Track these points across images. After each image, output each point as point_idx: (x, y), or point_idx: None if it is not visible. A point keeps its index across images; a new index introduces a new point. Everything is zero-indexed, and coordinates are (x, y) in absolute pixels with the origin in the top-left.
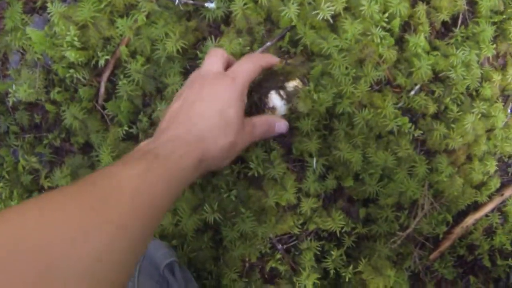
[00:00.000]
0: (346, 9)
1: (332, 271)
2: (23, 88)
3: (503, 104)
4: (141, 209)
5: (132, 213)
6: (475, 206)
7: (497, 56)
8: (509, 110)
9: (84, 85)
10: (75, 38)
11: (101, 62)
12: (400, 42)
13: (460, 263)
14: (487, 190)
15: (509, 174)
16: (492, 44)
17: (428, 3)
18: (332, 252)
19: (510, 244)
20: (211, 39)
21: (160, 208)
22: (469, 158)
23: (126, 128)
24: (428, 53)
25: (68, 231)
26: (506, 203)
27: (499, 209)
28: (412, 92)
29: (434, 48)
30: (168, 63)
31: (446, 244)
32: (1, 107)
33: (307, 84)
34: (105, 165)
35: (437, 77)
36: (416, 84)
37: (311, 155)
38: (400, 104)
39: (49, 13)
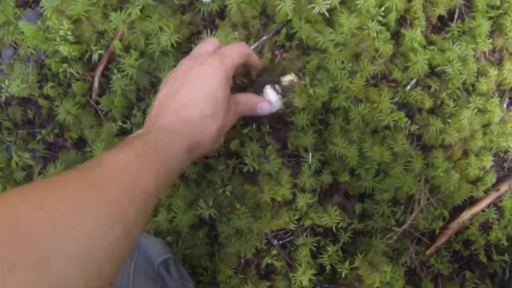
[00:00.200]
0: (342, 3)
1: (328, 267)
2: (16, 83)
3: (499, 99)
4: (134, 193)
5: (127, 197)
6: (471, 201)
7: (493, 51)
8: (505, 105)
9: (78, 80)
10: (69, 32)
11: (95, 57)
12: (396, 36)
13: (456, 258)
14: (483, 185)
15: (505, 169)
16: (489, 39)
17: None
18: (328, 248)
19: (506, 239)
20: (206, 33)
21: (152, 195)
22: (465, 153)
23: (120, 123)
24: (424, 47)
25: (64, 215)
26: (502, 198)
27: (495, 204)
28: (408, 87)
29: (431, 43)
30: (162, 57)
31: (442, 240)
32: None
33: (303, 79)
34: None
35: (433, 72)
36: (412, 79)
37: (306, 150)
38: (396, 99)
39: (42, 7)
